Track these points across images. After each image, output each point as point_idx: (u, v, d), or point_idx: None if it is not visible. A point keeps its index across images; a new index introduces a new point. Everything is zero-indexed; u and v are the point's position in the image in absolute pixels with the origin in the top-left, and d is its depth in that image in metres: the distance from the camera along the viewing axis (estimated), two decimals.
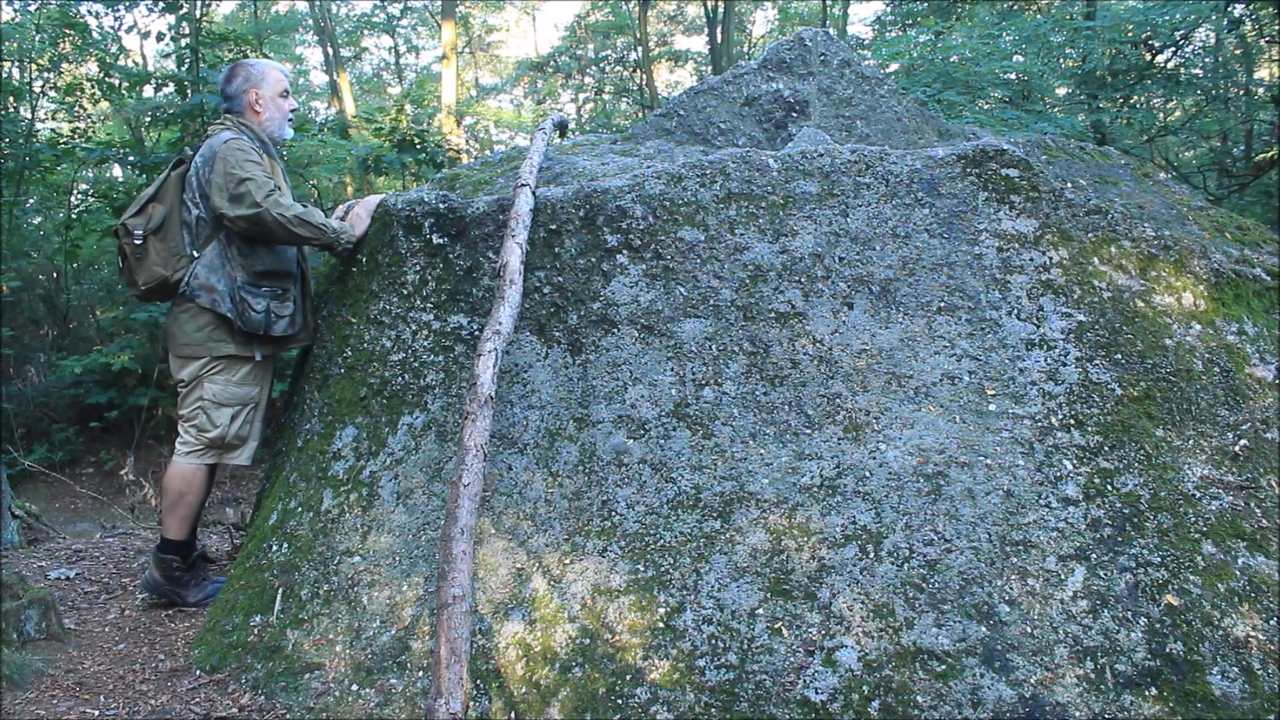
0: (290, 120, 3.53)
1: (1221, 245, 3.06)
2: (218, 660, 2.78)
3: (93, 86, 9.69)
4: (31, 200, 10.64)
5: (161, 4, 8.92)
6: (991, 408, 2.57)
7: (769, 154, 3.04)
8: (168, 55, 9.63)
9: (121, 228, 3.32)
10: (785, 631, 2.28)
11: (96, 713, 2.56)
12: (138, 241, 3.28)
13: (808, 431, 2.62)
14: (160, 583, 3.40)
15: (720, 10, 17.76)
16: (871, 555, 2.36)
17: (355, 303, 3.21)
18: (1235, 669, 2.14)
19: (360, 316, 3.17)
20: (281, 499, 3.10)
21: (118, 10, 9.72)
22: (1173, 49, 9.88)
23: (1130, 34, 9.22)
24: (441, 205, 3.07)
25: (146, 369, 9.51)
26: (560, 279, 2.93)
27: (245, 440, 3.38)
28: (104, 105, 10.82)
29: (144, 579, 3.48)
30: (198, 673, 2.78)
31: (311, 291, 3.49)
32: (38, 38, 10.19)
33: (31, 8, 10.05)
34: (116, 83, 9.62)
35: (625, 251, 2.91)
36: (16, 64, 10.82)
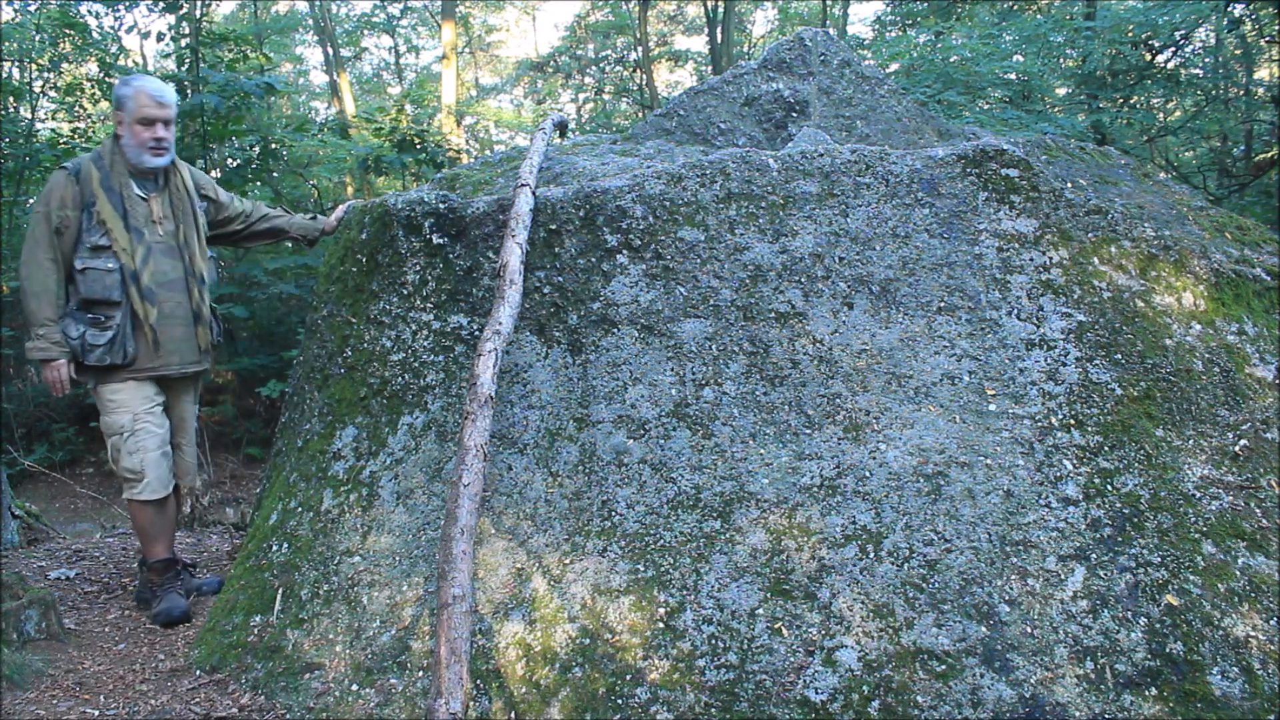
0: (154, 150, 3.22)
1: (1221, 245, 3.06)
2: (218, 660, 2.78)
3: (93, 86, 9.70)
4: (32, 200, 10.63)
5: (161, 4, 8.92)
6: (991, 408, 2.57)
7: (769, 154, 3.04)
8: (168, 55, 9.64)
9: None
10: (785, 631, 2.28)
11: (96, 713, 2.56)
12: None
13: (808, 431, 2.62)
14: (156, 605, 3.35)
15: (720, 10, 17.75)
16: (871, 555, 2.36)
17: (355, 303, 3.21)
18: (1235, 669, 2.14)
19: (360, 316, 3.17)
20: (281, 499, 3.10)
21: (118, 10, 9.72)
22: (1173, 49, 9.89)
23: (1130, 34, 9.23)
24: (441, 205, 3.07)
25: None
26: (560, 279, 2.93)
27: (140, 473, 3.23)
28: (104, 105, 10.81)
29: (153, 616, 3.31)
30: (198, 673, 2.78)
31: (156, 320, 3.24)
32: (38, 38, 10.19)
33: (31, 8, 10.05)
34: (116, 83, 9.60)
35: (625, 251, 2.91)
36: (16, 64, 10.82)
